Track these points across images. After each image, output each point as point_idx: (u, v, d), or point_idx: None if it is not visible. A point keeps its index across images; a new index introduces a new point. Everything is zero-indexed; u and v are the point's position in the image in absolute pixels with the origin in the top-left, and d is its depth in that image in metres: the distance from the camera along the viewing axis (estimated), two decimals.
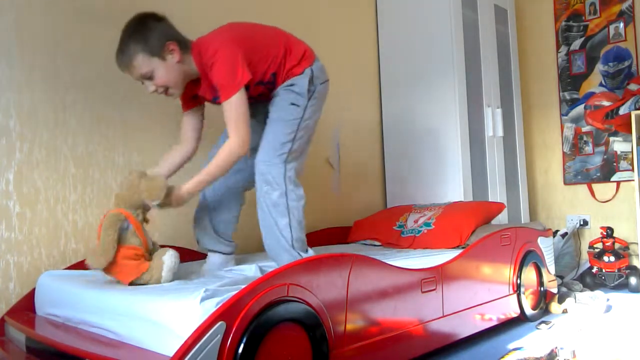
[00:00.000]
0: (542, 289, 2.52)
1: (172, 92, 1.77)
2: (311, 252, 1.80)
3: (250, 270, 1.76)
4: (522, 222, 3.46)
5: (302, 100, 1.83)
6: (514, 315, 2.33)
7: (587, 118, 3.61)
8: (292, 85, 1.83)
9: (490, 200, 3.17)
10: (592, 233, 3.53)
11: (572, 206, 3.69)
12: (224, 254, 1.96)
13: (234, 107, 1.69)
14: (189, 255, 2.19)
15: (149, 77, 1.71)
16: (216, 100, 1.82)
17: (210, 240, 1.96)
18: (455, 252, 2.12)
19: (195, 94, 1.88)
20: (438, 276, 1.91)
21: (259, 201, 1.78)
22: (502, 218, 3.11)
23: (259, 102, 1.89)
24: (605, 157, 3.54)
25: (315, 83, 1.87)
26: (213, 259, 1.96)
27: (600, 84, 3.57)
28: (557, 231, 3.48)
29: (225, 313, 1.21)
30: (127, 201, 1.61)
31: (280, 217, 1.75)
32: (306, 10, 2.97)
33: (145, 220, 1.67)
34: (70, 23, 2.02)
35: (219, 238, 1.95)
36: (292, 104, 1.82)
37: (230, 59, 1.69)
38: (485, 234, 2.31)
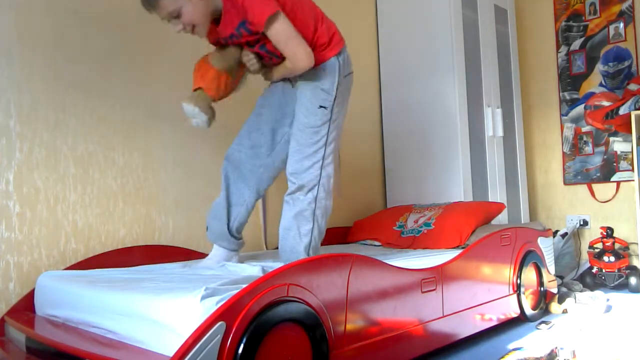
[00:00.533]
0: (542, 289, 2.52)
1: (199, 30, 1.74)
2: None
3: (252, 270, 1.76)
4: (522, 222, 3.46)
5: (330, 99, 1.78)
6: (514, 315, 2.33)
7: (587, 118, 3.61)
8: (318, 80, 1.78)
9: (490, 200, 3.17)
10: (592, 233, 3.53)
11: (572, 206, 3.69)
12: (228, 249, 1.95)
13: (277, 27, 1.65)
14: (189, 255, 2.20)
15: (176, 16, 1.68)
16: (233, 39, 1.78)
17: (221, 234, 1.93)
18: (455, 252, 2.12)
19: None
20: (438, 276, 1.91)
21: (287, 203, 1.77)
22: (502, 218, 3.11)
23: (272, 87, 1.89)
24: (605, 157, 3.54)
25: (339, 77, 1.81)
26: (217, 252, 1.95)
27: (600, 84, 3.57)
28: (557, 231, 3.48)
29: (225, 313, 1.21)
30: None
31: (305, 222, 1.74)
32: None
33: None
34: (70, 23, 2.02)
35: (229, 234, 1.93)
36: (321, 106, 1.77)
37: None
38: (485, 234, 2.31)
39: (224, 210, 1.92)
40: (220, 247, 1.95)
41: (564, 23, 3.74)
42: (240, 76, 1.87)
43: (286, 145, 1.87)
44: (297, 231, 1.74)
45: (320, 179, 1.76)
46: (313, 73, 1.78)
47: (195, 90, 1.77)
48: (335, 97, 1.79)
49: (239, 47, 1.81)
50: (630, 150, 3.37)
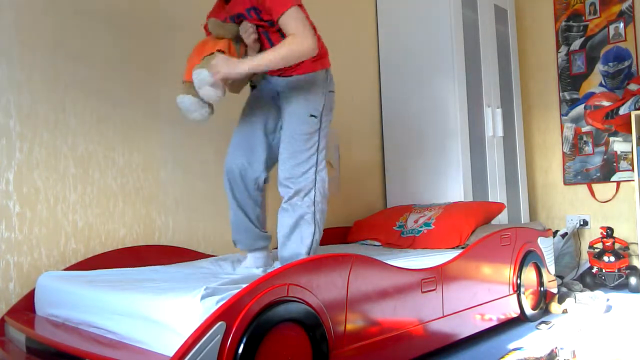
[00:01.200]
0: (542, 289, 2.52)
1: None
2: None
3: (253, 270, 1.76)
4: (522, 222, 3.46)
5: (319, 108, 1.82)
6: (514, 315, 2.33)
7: (587, 118, 3.61)
8: (307, 90, 1.81)
9: (490, 200, 3.17)
10: (592, 233, 3.53)
11: (572, 206, 3.69)
12: (263, 249, 1.93)
13: (295, 15, 1.66)
14: (189, 255, 2.20)
15: None
16: (240, 18, 1.79)
17: (254, 237, 1.91)
18: (455, 252, 2.12)
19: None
20: (438, 276, 1.91)
21: (285, 210, 1.76)
22: (502, 218, 3.11)
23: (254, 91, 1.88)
24: (605, 157, 3.54)
25: (325, 89, 1.86)
26: (255, 256, 1.92)
27: (600, 84, 3.57)
28: (557, 231, 3.47)
29: (225, 313, 1.21)
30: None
31: (306, 226, 1.75)
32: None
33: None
34: (70, 23, 2.02)
35: (260, 232, 1.92)
36: (312, 115, 1.80)
37: None
38: (485, 234, 2.31)
39: (243, 217, 1.90)
40: (256, 251, 1.93)
41: (564, 23, 3.73)
42: (242, 54, 1.85)
43: (278, 143, 1.88)
44: (300, 236, 1.74)
45: (315, 183, 1.77)
46: (302, 83, 1.82)
47: (202, 59, 1.71)
48: (323, 107, 1.83)
49: (237, 24, 1.82)
50: (630, 150, 3.37)
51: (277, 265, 1.84)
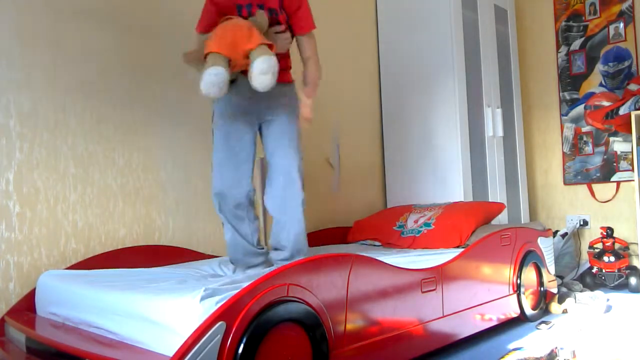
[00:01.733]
0: (542, 289, 2.52)
1: None
2: None
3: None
4: (522, 222, 3.46)
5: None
6: (514, 315, 2.33)
7: (587, 118, 3.61)
8: (296, 95, 1.94)
9: (490, 200, 3.17)
10: (592, 233, 3.53)
11: (572, 206, 3.69)
12: (263, 264, 1.93)
13: (314, 38, 1.90)
14: (189, 255, 2.20)
15: None
16: (273, 14, 1.83)
17: (250, 256, 1.91)
18: (455, 252, 2.12)
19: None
20: (438, 276, 1.91)
21: (293, 198, 1.84)
22: (502, 218, 3.11)
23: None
24: (605, 157, 3.54)
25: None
26: (254, 272, 1.90)
27: (600, 84, 3.57)
28: (557, 231, 3.48)
29: (225, 313, 1.21)
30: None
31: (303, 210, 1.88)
32: None
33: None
34: (70, 23, 2.02)
35: (255, 250, 1.92)
36: (297, 115, 1.93)
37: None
38: (485, 234, 2.31)
39: (240, 239, 1.90)
40: (254, 267, 1.92)
41: (564, 23, 3.73)
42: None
43: (255, 147, 1.94)
44: (303, 219, 1.86)
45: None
46: (293, 89, 1.95)
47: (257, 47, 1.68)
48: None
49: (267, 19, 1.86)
50: (630, 150, 3.37)
51: (276, 266, 1.84)
